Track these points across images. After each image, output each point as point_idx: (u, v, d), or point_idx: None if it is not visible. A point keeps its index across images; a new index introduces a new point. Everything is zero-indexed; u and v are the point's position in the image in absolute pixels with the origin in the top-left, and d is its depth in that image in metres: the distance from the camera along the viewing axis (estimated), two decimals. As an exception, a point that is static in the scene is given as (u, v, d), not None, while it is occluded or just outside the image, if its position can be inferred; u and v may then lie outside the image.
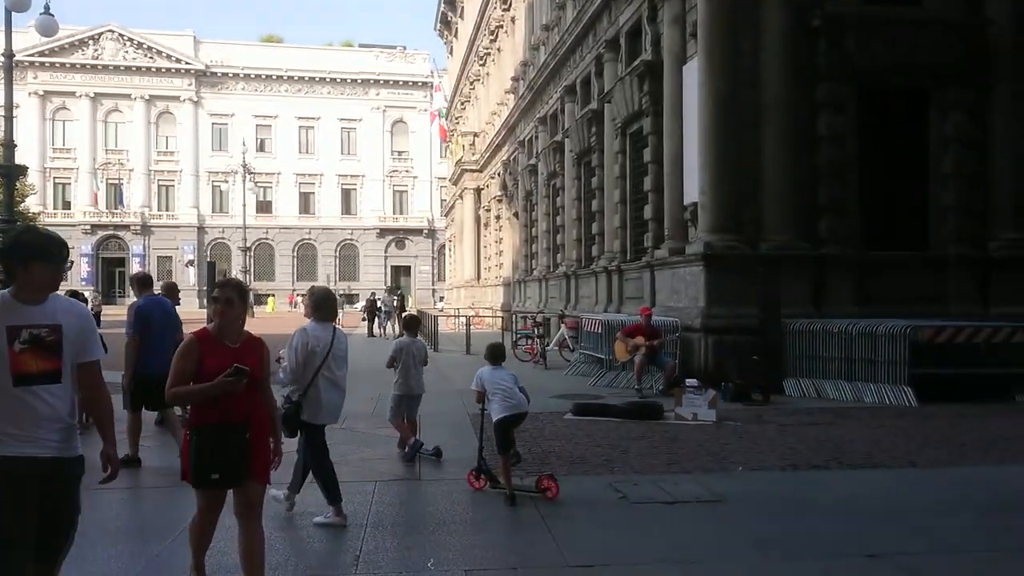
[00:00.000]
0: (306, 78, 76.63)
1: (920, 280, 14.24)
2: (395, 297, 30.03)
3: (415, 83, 78.81)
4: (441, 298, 65.15)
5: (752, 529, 5.90)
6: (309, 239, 77.32)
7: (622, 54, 18.72)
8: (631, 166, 18.52)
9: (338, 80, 77.35)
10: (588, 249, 22.02)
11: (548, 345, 18.39)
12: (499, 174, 36.64)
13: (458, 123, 50.12)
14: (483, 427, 7.21)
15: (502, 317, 32.52)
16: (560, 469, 7.72)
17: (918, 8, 14.28)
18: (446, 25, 59.67)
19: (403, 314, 26.49)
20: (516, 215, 33.66)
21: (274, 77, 75.69)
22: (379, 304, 28.31)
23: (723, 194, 13.70)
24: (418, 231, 79.50)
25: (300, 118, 76.54)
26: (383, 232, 78.42)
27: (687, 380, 11.16)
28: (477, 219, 43.46)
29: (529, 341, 19.31)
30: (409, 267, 79.65)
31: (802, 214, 14.00)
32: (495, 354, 7.00)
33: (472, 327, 23.72)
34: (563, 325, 18.74)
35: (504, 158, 35.06)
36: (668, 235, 15.45)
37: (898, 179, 14.57)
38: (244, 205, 55.94)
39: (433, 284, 77.45)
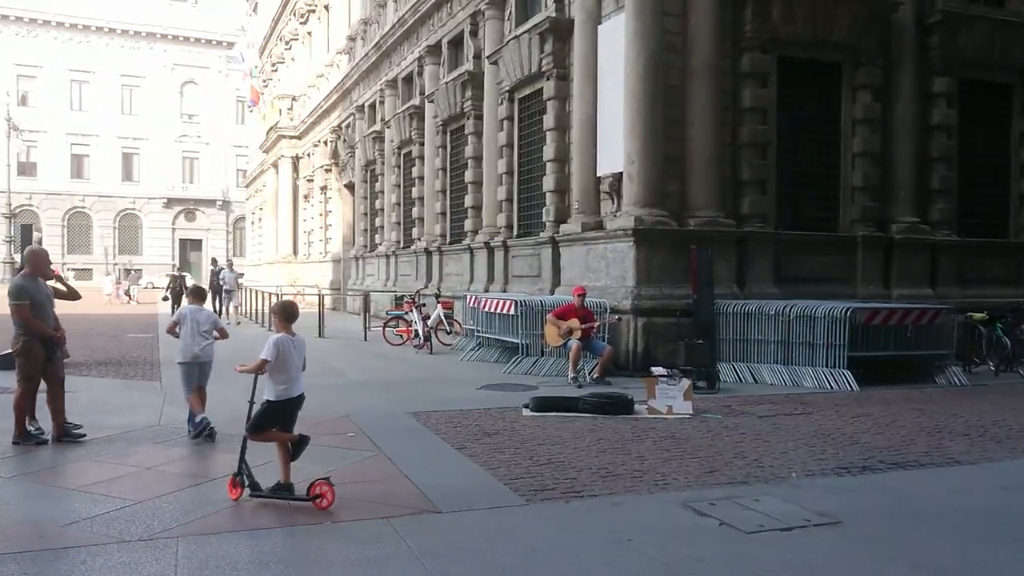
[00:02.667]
0: (80, 25, 67.81)
1: (830, 260, 14.08)
2: (236, 273, 26.56)
3: (210, 41, 72.31)
4: (240, 275, 60.23)
5: (919, 558, 4.77)
6: (82, 207, 68.84)
7: (511, 10, 17.21)
8: (521, 134, 17.10)
9: (119, 31, 69.18)
10: (458, 223, 20.39)
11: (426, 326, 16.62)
12: (327, 142, 33.85)
13: (267, 86, 46.14)
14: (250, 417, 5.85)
15: (331, 296, 30.13)
16: (598, 486, 6.25)
17: (837, -18, 14.00)
18: (249, -22, 54.92)
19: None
20: (350, 186, 31.19)
21: (39, 21, 66.24)
22: (221, 280, 24.88)
23: (653, 164, 12.68)
24: (211, 202, 73.30)
25: (72, 70, 67.68)
26: (171, 202, 71.55)
27: (654, 368, 10.00)
28: (295, 190, 40.20)
29: (402, 323, 17.44)
30: (200, 241, 73.26)
31: (726, 189, 13.33)
32: (291, 313, 5.90)
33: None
34: (438, 306, 17.04)
35: (335, 124, 32.36)
36: (578, 208, 14.24)
37: (811, 156, 14.31)
38: (9, 166, 48.26)
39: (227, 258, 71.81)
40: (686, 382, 9.60)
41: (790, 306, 12.11)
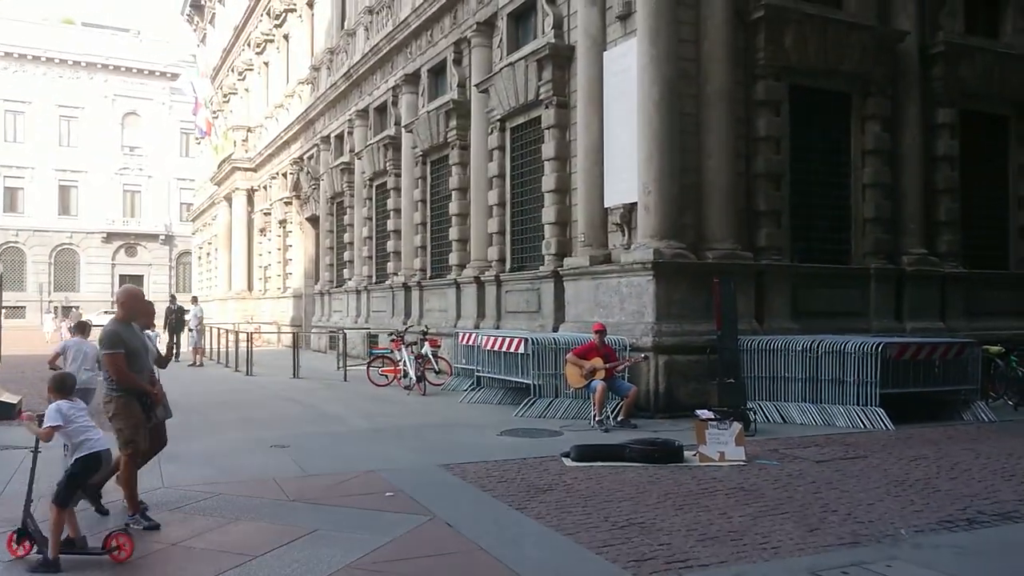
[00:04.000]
0: (14, 54, 65.30)
1: (844, 293, 13.69)
2: (200, 307, 25.07)
3: (153, 72, 70.41)
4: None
5: None
6: (15, 242, 65.79)
7: (501, 37, 16.63)
8: (514, 164, 16.44)
9: (56, 60, 66.83)
10: (441, 257, 19.55)
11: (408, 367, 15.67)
12: (288, 174, 32.74)
13: (217, 117, 44.78)
14: (34, 476, 5.39)
15: (293, 333, 28.93)
16: (702, 552, 5.49)
17: (847, 12, 13.76)
18: (198, 10, 53.60)
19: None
20: (313, 219, 30.10)
21: (-31, 50, 63.63)
22: (188, 317, 23.43)
23: (670, 195, 12.12)
24: (153, 236, 70.96)
25: (6, 100, 65.03)
26: (111, 237, 69.04)
27: (699, 412, 9.30)
28: (250, 223, 38.80)
29: (388, 362, 16.49)
30: (142, 276, 70.56)
31: (742, 221, 12.84)
32: (65, 385, 5.65)
33: (253, 344, 20.25)
34: (426, 343, 16.13)
35: (297, 156, 31.31)
36: (584, 241, 13.58)
37: (822, 187, 13.95)
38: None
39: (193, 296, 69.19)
40: (737, 426, 8.93)
41: (818, 341, 11.60)
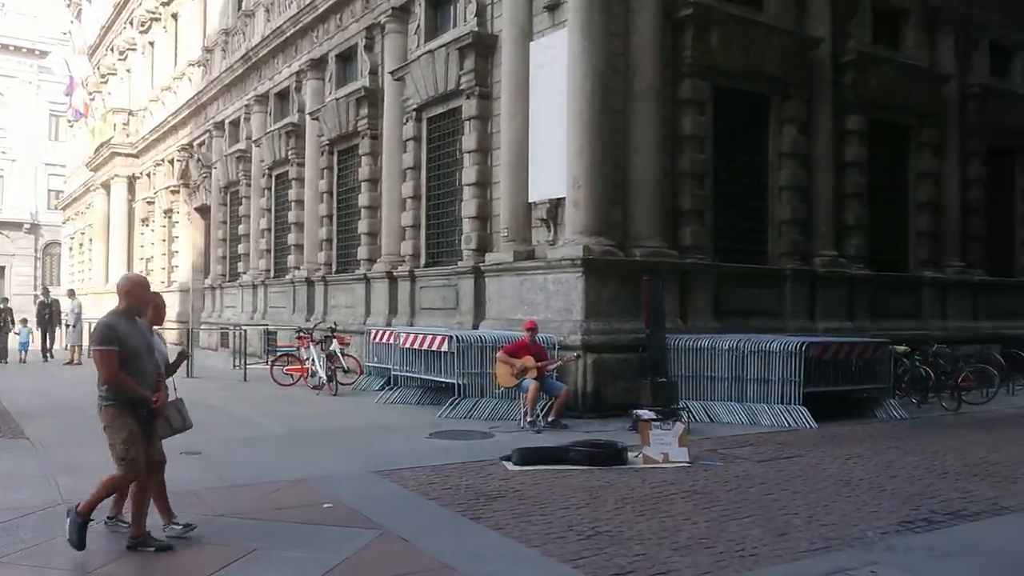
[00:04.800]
0: None
1: (762, 293, 13.86)
2: (78, 302, 23.08)
3: (19, 48, 65.33)
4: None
5: None
6: None
7: (419, 23, 16.03)
8: (431, 155, 15.87)
9: (-100, 32, 61.10)
10: (348, 251, 18.73)
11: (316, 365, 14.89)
12: (175, 160, 30.88)
13: (93, 99, 41.86)
14: None
15: (179, 330, 27.37)
16: (680, 562, 5.21)
17: (767, 15, 13.91)
18: (73, -17, 50.13)
19: None
20: (203, 209, 28.49)
21: None
22: (65, 312, 21.50)
23: (599, 190, 11.90)
24: (16, 225, 65.71)
25: None
26: (-33, 225, 63.55)
27: (640, 412, 9.08)
28: (131, 212, 36.44)
29: (293, 361, 15.63)
30: (3, 267, 65.41)
31: (667, 219, 12.77)
32: None
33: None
34: (334, 341, 15.34)
35: (186, 142, 29.56)
36: (507, 236, 13.21)
37: (742, 188, 14.07)
38: None
39: (36, 288, 64.50)
40: (680, 426, 8.74)
41: (743, 341, 11.64)
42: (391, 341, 14.00)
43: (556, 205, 12.54)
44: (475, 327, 13.45)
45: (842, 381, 11.98)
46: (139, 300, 5.35)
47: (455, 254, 14.92)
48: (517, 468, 8.09)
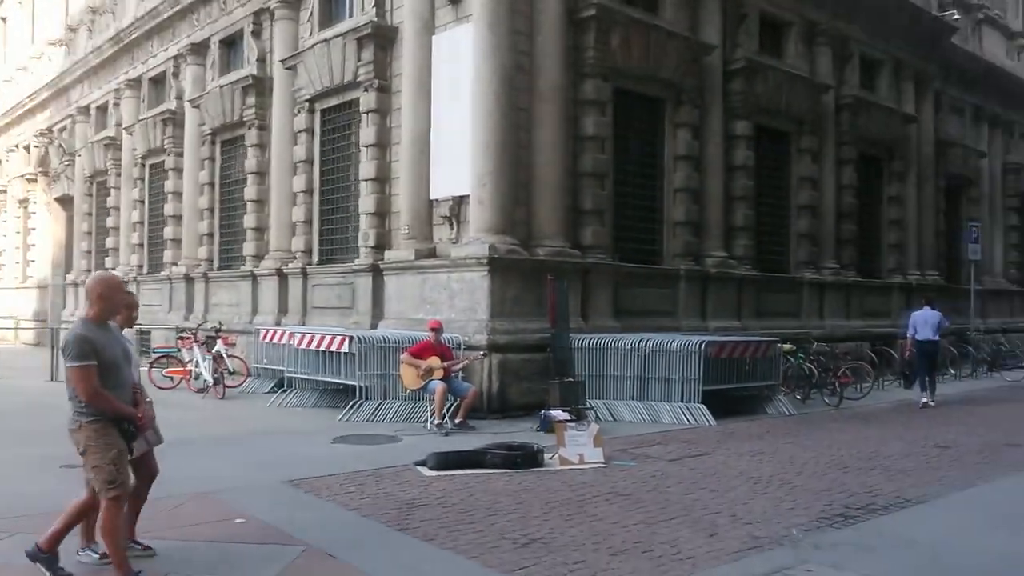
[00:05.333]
0: None
1: (658, 293, 14.12)
2: None
3: None
4: None
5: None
6: None
7: (312, 11, 15.41)
8: (325, 148, 15.29)
9: None
10: (232, 246, 17.83)
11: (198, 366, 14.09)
12: (32, 147, 28.59)
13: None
14: None
15: (37, 329, 25.56)
16: (622, 569, 5.14)
17: (664, 20, 14.16)
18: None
19: None
20: (65, 200, 26.51)
21: None
22: None
23: (505, 189, 11.80)
24: None
25: None
26: None
27: (555, 412, 9.02)
28: (-22, 202, 33.48)
29: (174, 362, 14.73)
30: None
31: (569, 219, 12.80)
32: None
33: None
34: (218, 341, 14.55)
35: (45, 127, 27.42)
36: (408, 234, 12.89)
37: (639, 189, 14.29)
38: None
39: None
40: (595, 427, 8.75)
41: (645, 340, 11.80)
42: (283, 341, 13.42)
43: (459, 203, 12.34)
44: (373, 327, 13.07)
45: (737, 379, 12.33)
46: (113, 304, 4.73)
47: (350, 251, 14.46)
48: (434, 473, 7.84)
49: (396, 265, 12.92)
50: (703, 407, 11.45)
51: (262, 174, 16.61)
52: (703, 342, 11.63)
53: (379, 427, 10.57)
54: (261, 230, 16.60)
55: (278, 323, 15.17)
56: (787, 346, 14.06)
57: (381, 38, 13.60)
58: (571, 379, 10.98)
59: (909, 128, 19.93)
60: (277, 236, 15.98)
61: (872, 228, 19.37)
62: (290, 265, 15.41)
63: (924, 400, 14.01)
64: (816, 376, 14.03)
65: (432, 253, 12.65)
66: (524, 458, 8.18)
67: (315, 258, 15.29)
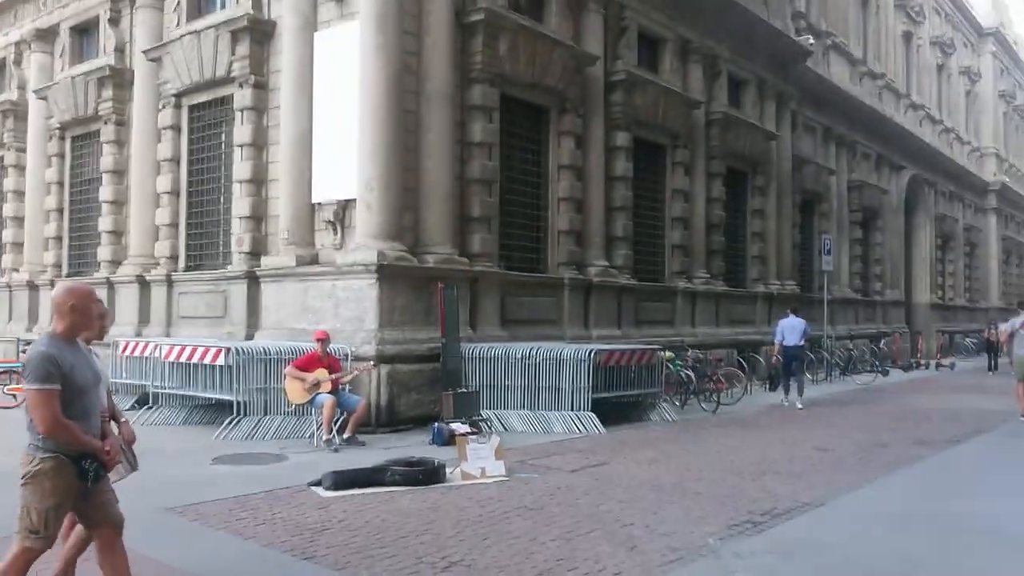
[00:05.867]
0: None
1: (543, 302, 14.07)
2: None
3: None
4: None
5: None
6: None
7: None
8: (194, 147, 14.30)
9: None
10: (84, 251, 16.39)
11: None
12: None
13: None
14: None
15: None
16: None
17: (548, 28, 14.15)
18: None
19: None
20: None
21: None
22: None
23: (393, 193, 11.40)
24: None
25: None
26: None
27: (444, 424, 8.72)
28: None
29: (16, 378, 13.33)
30: None
31: (457, 226, 12.54)
32: None
33: None
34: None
35: None
36: (288, 239, 12.24)
37: (524, 197, 14.21)
38: None
39: None
40: (496, 439, 8.53)
41: (536, 349, 11.70)
42: (147, 354, 12.43)
43: (345, 207, 11.85)
44: (249, 337, 12.32)
45: (624, 387, 12.44)
46: (87, 317, 4.03)
47: (222, 257, 13.61)
48: (331, 494, 7.37)
49: (275, 272, 12.23)
50: (593, 415, 11.45)
51: (120, 173, 15.39)
52: (592, 350, 11.65)
53: (261, 445, 9.91)
54: (119, 233, 15.36)
55: (139, 334, 14.06)
56: (667, 354, 14.37)
57: (258, 32, 12.89)
58: (465, 390, 10.70)
59: (771, 145, 20.96)
60: (138, 240, 14.83)
61: (738, 240, 20.20)
62: (153, 272, 14.33)
63: (789, 402, 14.89)
64: (694, 383, 14.40)
65: (315, 260, 12.07)
66: (426, 474, 7.84)
67: (182, 264, 14.28)
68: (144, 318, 14.44)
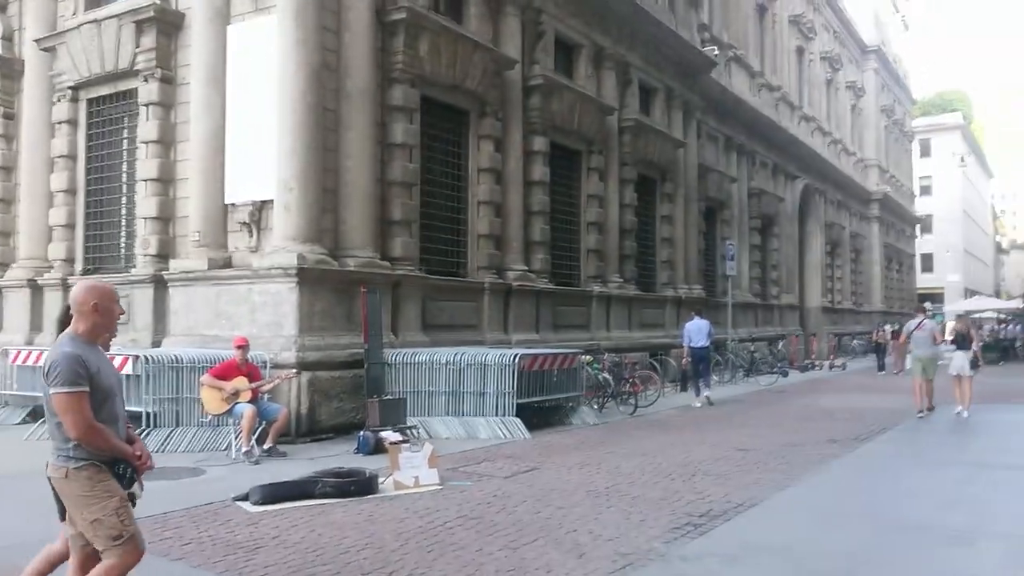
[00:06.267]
0: None
1: (464, 306, 13.92)
2: None
3: None
4: None
5: None
6: None
7: (80, -14, 13.59)
8: (92, 143, 13.45)
9: None
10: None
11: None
12: None
13: None
14: None
15: None
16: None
17: (468, 30, 14.02)
18: None
19: None
20: None
21: None
22: None
23: (313, 194, 11.04)
24: None
25: None
26: None
27: (386, 434, 8.48)
28: None
29: None
30: None
31: (379, 228, 12.25)
32: None
33: None
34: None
35: None
36: (199, 241, 11.67)
37: (445, 200, 14.03)
38: None
39: None
40: (429, 447, 8.31)
41: (460, 354, 11.55)
42: (40, 363, 11.57)
43: (261, 208, 11.39)
44: (156, 344, 11.68)
45: (547, 391, 12.42)
46: (109, 318, 3.75)
47: (124, 260, 12.88)
48: (260, 509, 7.03)
49: (185, 276, 11.64)
50: (518, 420, 11.39)
51: (8, 169, 14.38)
52: (516, 355, 11.58)
53: (175, 458, 9.37)
54: (7, 234, 14.34)
55: (30, 342, 13.13)
56: (586, 357, 14.45)
57: (165, 23, 12.26)
58: (392, 396, 10.44)
59: (678, 153, 21.46)
60: (29, 242, 13.87)
61: (648, 245, 20.58)
62: (46, 275, 13.41)
63: (700, 401, 15.48)
64: (612, 386, 14.53)
65: (228, 263, 11.55)
66: (358, 485, 7.58)
67: (79, 267, 13.41)
68: (36, 325, 13.50)
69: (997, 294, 78.89)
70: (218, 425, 9.90)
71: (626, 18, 18.57)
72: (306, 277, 10.65)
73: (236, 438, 9.36)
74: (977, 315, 39.71)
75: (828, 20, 38.23)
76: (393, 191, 12.46)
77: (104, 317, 3.72)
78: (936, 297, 64.03)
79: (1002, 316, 43.19)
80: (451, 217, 14.13)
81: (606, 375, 14.61)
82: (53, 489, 3.69)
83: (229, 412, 9.34)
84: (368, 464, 8.67)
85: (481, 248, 14.43)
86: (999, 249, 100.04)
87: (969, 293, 68.68)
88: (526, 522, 6.71)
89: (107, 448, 3.59)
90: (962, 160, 67.01)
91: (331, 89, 11.56)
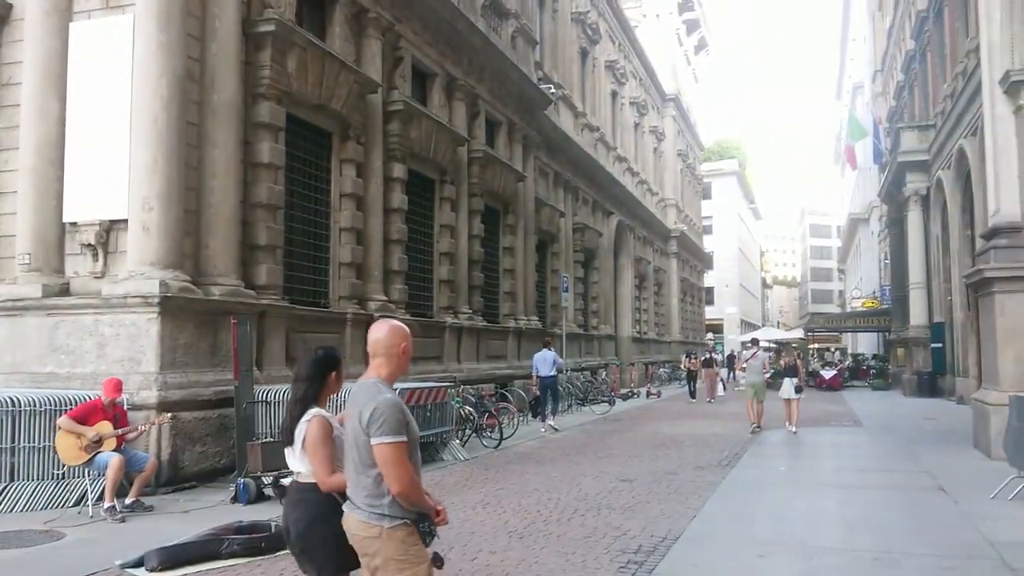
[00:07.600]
0: None
1: (326, 338, 13.07)
2: None
3: None
4: None
5: None
6: None
7: None
8: None
9: None
10: None
11: None
12: None
13: None
14: None
15: None
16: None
17: (334, 49, 13.36)
18: None
19: None
20: None
21: None
22: None
23: (175, 215, 9.95)
24: None
25: None
26: None
27: (258, 478, 7.68)
28: None
29: None
30: None
31: (242, 254, 11.28)
32: None
33: None
34: None
35: None
36: (30, 265, 10.15)
37: (308, 226, 13.20)
38: None
39: None
40: (338, 494, 7.61)
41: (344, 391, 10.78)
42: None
43: (110, 228, 10.12)
44: (-28, 384, 9.97)
45: (425, 427, 11.92)
46: (407, 361, 3.57)
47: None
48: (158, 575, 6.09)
49: (11, 304, 10.05)
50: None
51: None
52: (397, 389, 11.00)
53: (16, 520, 7.97)
54: None
55: None
56: (451, 391, 14.11)
57: (-8, 16, 10.68)
58: (272, 439, 9.53)
59: (519, 186, 21.74)
60: None
61: (493, 276, 20.59)
62: None
63: (545, 428, 16.28)
64: (475, 419, 14.26)
65: (66, 290, 10.13)
66: (268, 541, 6.78)
67: None
68: None
69: (762, 323, 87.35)
70: (63, 478, 8.56)
71: (477, 50, 18.63)
72: (169, 307, 9.54)
73: (93, 492, 8.12)
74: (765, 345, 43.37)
75: (636, 68, 40.66)
76: (258, 214, 11.54)
77: (405, 360, 3.50)
78: (717, 328, 69.63)
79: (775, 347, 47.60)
80: (314, 244, 13.32)
81: (469, 408, 14.33)
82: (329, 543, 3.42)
83: (89, 462, 8.08)
84: (250, 515, 7.89)
85: (343, 277, 13.71)
86: (764, 284, 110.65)
87: (744, 324, 75.38)
88: (463, 569, 6.31)
89: (420, 505, 3.33)
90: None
91: (194, 102, 10.55)
